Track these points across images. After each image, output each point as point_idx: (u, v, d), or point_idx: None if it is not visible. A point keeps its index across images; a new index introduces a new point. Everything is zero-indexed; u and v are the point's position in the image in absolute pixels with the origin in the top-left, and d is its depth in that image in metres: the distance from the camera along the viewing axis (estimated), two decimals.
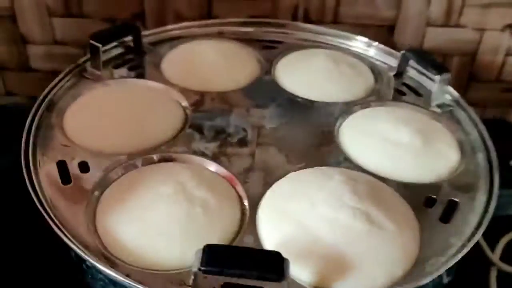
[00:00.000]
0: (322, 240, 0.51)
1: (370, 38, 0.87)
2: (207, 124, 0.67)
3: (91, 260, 0.48)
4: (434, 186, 0.61)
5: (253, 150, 0.64)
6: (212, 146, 0.64)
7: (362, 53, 0.84)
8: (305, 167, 0.62)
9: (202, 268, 0.44)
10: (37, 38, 0.97)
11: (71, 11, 0.94)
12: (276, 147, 0.65)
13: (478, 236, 0.55)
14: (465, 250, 0.53)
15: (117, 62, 0.77)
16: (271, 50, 0.84)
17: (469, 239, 0.55)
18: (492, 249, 0.74)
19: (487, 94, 1.02)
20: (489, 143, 0.67)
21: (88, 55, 0.74)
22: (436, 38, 0.96)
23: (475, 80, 1.01)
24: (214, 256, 0.45)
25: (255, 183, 0.59)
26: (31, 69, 1.01)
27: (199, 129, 0.66)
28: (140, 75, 0.76)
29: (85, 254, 0.49)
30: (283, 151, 0.65)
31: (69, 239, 0.50)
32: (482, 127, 0.69)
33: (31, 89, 1.02)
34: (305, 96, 0.74)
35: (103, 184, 0.58)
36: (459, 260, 0.52)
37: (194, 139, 0.65)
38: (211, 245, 0.46)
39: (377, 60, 0.83)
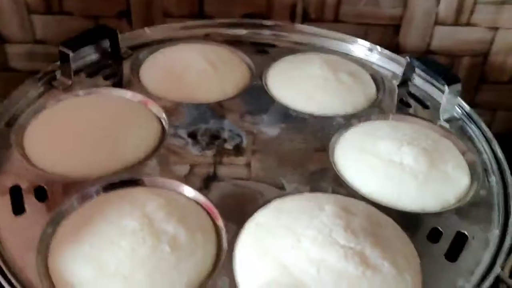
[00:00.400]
0: (307, 286, 0.44)
1: (373, 38, 0.80)
2: (184, 132, 0.62)
3: None
4: (440, 216, 0.53)
5: (228, 164, 0.58)
6: (189, 158, 0.58)
7: (363, 58, 0.76)
8: (295, 190, 0.55)
9: None
10: (16, 36, 0.91)
11: (52, 8, 0.88)
12: (262, 167, 0.58)
13: (492, 279, 0.47)
14: None
15: (91, 69, 0.70)
16: (263, 55, 0.76)
17: (479, 283, 0.47)
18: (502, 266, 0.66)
19: (498, 96, 0.96)
20: (504, 164, 0.59)
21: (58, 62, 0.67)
22: (445, 37, 0.90)
23: (486, 82, 0.94)
24: None
25: (235, 211, 0.52)
26: (10, 69, 0.95)
27: (177, 142, 0.60)
28: (116, 84, 0.68)
29: None
30: (270, 171, 0.57)
31: (11, 285, 0.43)
32: (496, 145, 0.61)
33: (11, 91, 0.96)
34: (298, 108, 0.66)
35: (61, 215, 0.51)
36: None
37: (170, 159, 0.58)
38: None
39: (380, 66, 0.75)
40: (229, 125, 0.63)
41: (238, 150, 0.60)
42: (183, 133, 0.61)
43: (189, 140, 0.61)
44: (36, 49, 0.92)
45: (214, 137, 0.61)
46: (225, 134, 0.62)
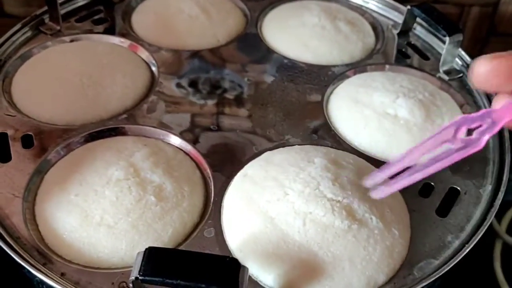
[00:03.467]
0: (292, 238, 0.44)
1: None
2: (174, 79, 0.60)
3: (17, 259, 0.41)
4: None
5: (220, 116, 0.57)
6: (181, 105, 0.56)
7: (363, 6, 0.73)
8: (287, 142, 0.54)
9: (140, 277, 0.37)
10: None
11: None
12: (254, 116, 0.57)
13: (480, 234, 0.47)
14: (463, 253, 0.45)
15: (82, 14, 0.68)
16: (259, 1, 0.74)
17: (469, 239, 0.46)
18: (499, 221, 0.66)
19: (507, 49, 0.90)
20: None
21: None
22: None
23: (495, 34, 0.90)
24: (155, 263, 0.38)
25: (224, 162, 0.51)
26: (6, 15, 0.92)
27: (167, 92, 0.59)
28: (106, 30, 0.66)
29: (12, 250, 0.42)
30: (263, 122, 0.56)
31: None
32: None
33: None
34: (294, 58, 0.65)
35: (47, 164, 0.50)
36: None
37: (159, 107, 0.57)
38: (153, 248, 0.38)
39: (381, 14, 0.72)
40: (218, 72, 0.62)
41: (219, 100, 0.59)
42: (172, 80, 0.60)
43: (180, 87, 0.59)
44: None
45: (205, 84, 0.60)
46: (210, 81, 0.61)
